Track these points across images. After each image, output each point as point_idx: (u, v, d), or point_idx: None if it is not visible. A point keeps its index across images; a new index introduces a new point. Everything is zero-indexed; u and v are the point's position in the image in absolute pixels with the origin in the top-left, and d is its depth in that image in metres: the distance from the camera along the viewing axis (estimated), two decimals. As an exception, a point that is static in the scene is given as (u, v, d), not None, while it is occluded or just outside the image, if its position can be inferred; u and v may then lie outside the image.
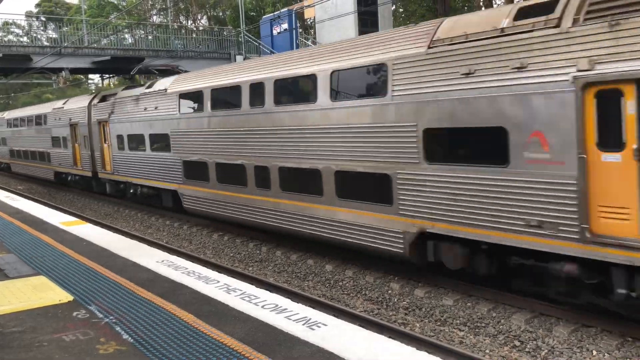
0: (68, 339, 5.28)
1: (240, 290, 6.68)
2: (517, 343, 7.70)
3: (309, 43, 30.81)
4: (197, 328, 5.47)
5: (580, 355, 7.22)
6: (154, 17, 53.22)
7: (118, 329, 5.51)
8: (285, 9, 30.84)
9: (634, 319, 7.53)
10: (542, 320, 8.19)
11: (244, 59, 28.19)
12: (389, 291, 9.98)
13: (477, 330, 8.22)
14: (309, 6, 29.85)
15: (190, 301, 6.30)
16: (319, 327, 5.38)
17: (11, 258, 8.70)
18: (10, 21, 54.11)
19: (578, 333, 7.73)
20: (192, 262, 8.78)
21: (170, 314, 5.91)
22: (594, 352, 7.24)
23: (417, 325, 8.56)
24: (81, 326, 5.62)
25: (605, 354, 7.19)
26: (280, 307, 6.00)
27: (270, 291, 7.51)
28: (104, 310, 6.08)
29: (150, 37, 35.42)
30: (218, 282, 7.06)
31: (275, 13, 31.46)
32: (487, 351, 7.53)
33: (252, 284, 7.40)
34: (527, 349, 7.52)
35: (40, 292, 6.81)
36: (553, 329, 7.90)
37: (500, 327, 8.19)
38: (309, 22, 39.33)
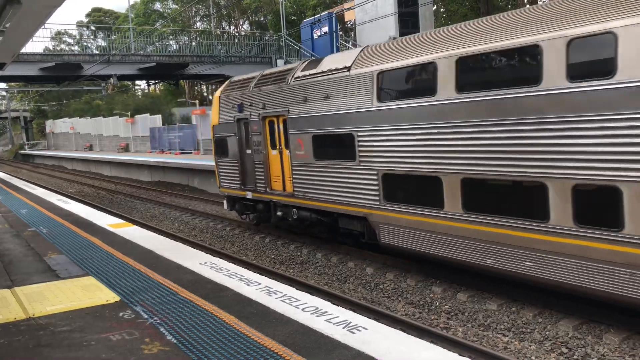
0: (115, 339, 5.44)
1: (281, 292, 6.72)
2: (564, 350, 7.45)
3: (349, 46, 30.78)
4: (239, 330, 5.53)
5: (633, 364, 6.93)
6: (198, 24, 54.37)
7: (162, 329, 5.64)
8: (326, 12, 30.96)
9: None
10: (592, 327, 7.91)
11: (285, 64, 28.41)
12: (431, 295, 9.85)
13: (522, 335, 8.00)
14: (349, 9, 29.86)
15: (232, 303, 6.39)
16: (360, 330, 5.36)
17: (62, 259, 9.04)
18: (63, 31, 56.40)
19: (630, 341, 7.41)
20: (235, 264, 8.91)
21: (212, 315, 6.00)
22: (648, 361, 6.94)
23: (460, 329, 8.41)
24: (127, 326, 5.78)
25: (660, 363, 6.88)
26: (321, 310, 6.01)
27: (311, 294, 7.53)
28: (149, 311, 6.24)
29: (194, 44, 36.24)
30: (259, 284, 7.13)
31: (315, 17, 31.62)
32: (532, 358, 7.32)
33: (292, 286, 7.44)
34: (575, 357, 7.27)
35: (89, 293, 7.05)
36: (603, 336, 7.61)
37: (547, 333, 7.95)
38: (349, 25, 39.29)
